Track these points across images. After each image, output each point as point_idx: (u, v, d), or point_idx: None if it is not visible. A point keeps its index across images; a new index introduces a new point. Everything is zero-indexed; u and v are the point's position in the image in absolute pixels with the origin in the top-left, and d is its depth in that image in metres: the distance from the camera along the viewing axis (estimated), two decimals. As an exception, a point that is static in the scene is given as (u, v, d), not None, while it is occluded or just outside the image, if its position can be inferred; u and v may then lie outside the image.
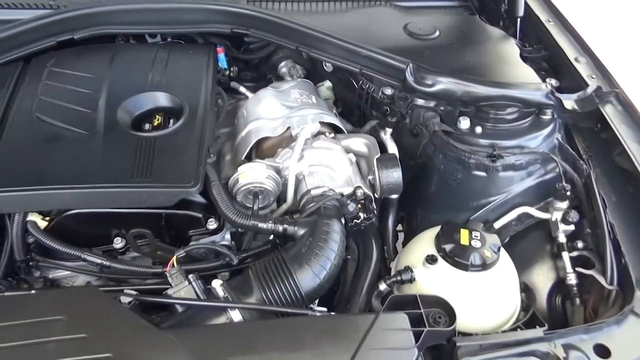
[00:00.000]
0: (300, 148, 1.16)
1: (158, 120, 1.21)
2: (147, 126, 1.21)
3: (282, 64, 1.69)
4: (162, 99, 1.24)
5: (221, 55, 1.53)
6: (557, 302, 1.21)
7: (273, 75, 1.71)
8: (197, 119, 1.20)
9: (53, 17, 1.37)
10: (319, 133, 1.27)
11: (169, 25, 1.49)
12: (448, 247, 1.08)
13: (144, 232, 1.06)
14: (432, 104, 1.36)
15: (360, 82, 1.49)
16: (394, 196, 1.29)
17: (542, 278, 1.24)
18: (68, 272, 1.16)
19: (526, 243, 1.30)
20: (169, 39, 1.54)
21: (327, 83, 1.62)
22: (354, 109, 1.56)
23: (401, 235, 1.45)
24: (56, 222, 1.07)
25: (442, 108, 1.36)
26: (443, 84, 1.31)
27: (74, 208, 1.06)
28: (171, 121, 1.22)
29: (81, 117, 1.17)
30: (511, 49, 1.50)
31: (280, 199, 1.24)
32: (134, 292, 0.95)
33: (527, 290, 1.17)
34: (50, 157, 1.08)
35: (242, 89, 1.53)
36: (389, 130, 1.38)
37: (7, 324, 0.85)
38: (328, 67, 1.58)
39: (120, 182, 1.04)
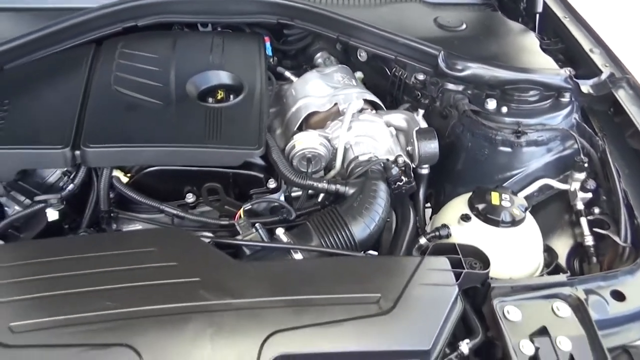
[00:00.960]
0: (349, 120, 1.32)
1: (221, 95, 1.36)
2: (210, 100, 1.36)
3: (318, 55, 1.84)
4: (224, 76, 1.39)
5: (267, 44, 1.69)
6: (575, 264, 1.35)
7: (308, 65, 1.87)
8: (255, 95, 1.35)
9: (120, 6, 1.53)
10: (362, 109, 1.41)
11: (220, 15, 1.64)
12: (481, 206, 1.22)
13: (216, 187, 1.21)
14: (461, 87, 1.51)
15: (394, 69, 1.64)
16: (425, 171, 1.44)
17: (562, 243, 1.38)
18: (140, 226, 1.30)
19: (546, 212, 1.44)
20: (218, 28, 1.70)
21: (359, 74, 1.77)
22: (385, 95, 1.70)
23: (428, 212, 1.60)
24: (136, 179, 1.22)
25: (469, 91, 1.51)
26: (472, 69, 1.46)
27: (155, 165, 1.20)
28: (231, 96, 1.37)
29: (155, 90, 1.32)
30: (531, 40, 1.65)
31: (326, 168, 1.39)
32: (211, 235, 1.09)
33: (549, 250, 1.31)
34: (133, 121, 1.23)
35: (287, 74, 1.69)
36: (421, 112, 1.53)
37: (109, 253, 0.99)
38: (362, 57, 1.74)
39: (196, 142, 1.19)
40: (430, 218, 1.48)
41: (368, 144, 1.33)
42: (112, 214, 1.24)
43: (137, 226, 1.31)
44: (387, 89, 1.67)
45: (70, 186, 1.18)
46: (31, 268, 0.97)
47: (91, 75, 1.36)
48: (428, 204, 1.57)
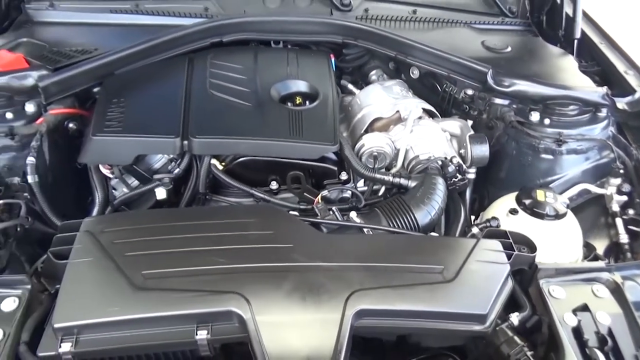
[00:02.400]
0: (411, 124, 1.52)
1: (299, 100, 1.58)
2: (289, 104, 1.58)
3: (373, 72, 2.05)
4: (302, 85, 1.61)
5: (332, 60, 1.91)
6: (611, 261, 1.49)
7: (363, 82, 2.09)
8: (329, 101, 1.57)
9: (209, 24, 1.78)
10: (420, 116, 1.61)
11: (292, 34, 1.88)
12: (527, 201, 1.39)
13: (299, 175, 1.41)
14: (506, 102, 1.70)
15: (444, 85, 1.84)
16: (472, 175, 1.61)
17: (598, 242, 1.53)
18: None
19: (584, 215, 1.59)
20: (289, 46, 1.94)
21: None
22: (434, 108, 1.91)
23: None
24: (230, 167, 1.43)
25: (514, 105, 1.69)
26: (518, 85, 1.65)
27: (247, 155, 1.42)
28: (307, 102, 1.59)
29: (243, 94, 1.55)
30: (570, 62, 1.84)
31: (387, 167, 1.58)
32: (297, 214, 1.29)
33: (587, 245, 1.46)
34: (228, 118, 1.45)
35: (349, 86, 1.90)
36: (469, 123, 1.72)
37: (219, 221, 1.20)
38: (414, 74, 1.94)
39: (283, 137, 1.40)
40: (477, 217, 1.65)
41: (426, 146, 1.52)
42: (207, 196, 1.45)
43: (226, 208, 1.51)
44: (436, 103, 1.87)
45: (177, 170, 1.40)
46: (157, 230, 1.18)
47: (189, 80, 1.59)
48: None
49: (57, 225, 1.40)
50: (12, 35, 1.75)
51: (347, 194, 1.49)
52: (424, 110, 1.65)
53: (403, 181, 1.41)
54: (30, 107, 1.50)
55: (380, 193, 1.53)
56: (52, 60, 1.61)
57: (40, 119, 1.47)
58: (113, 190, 1.53)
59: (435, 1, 2.07)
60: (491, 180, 1.71)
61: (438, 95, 1.87)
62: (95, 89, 1.63)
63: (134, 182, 1.49)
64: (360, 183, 1.54)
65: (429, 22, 2.00)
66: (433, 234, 1.30)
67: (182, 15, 1.87)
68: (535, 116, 1.63)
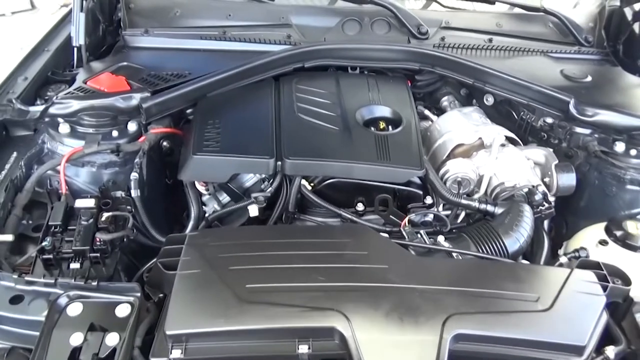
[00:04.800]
0: (496, 151, 1.54)
1: (382, 125, 1.63)
2: (372, 129, 1.63)
3: (444, 98, 2.08)
4: (386, 111, 1.67)
5: (408, 86, 1.96)
6: None
7: (434, 108, 2.12)
8: (412, 126, 1.61)
9: (294, 51, 1.86)
10: (503, 144, 1.63)
11: (371, 61, 1.94)
12: (618, 232, 1.38)
13: (387, 198, 1.46)
14: (588, 131, 1.69)
15: (522, 113, 1.85)
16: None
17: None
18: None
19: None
20: (365, 71, 2.00)
21: None
22: (508, 136, 1.92)
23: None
24: (319, 188, 1.49)
25: (597, 135, 1.68)
26: (602, 115, 1.65)
27: (338, 177, 1.48)
28: (390, 127, 1.64)
29: (330, 117, 1.61)
30: (653, 92, 1.82)
31: (469, 193, 1.60)
32: (387, 235, 1.33)
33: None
34: (318, 141, 1.52)
35: (426, 112, 1.94)
36: (547, 148, 1.72)
37: (316, 240, 1.25)
38: (489, 101, 1.96)
39: (371, 161, 1.45)
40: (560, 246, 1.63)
41: (511, 173, 1.53)
42: (295, 215, 1.51)
43: (310, 226, 1.57)
44: (512, 130, 1.87)
45: (270, 189, 1.47)
46: (258, 246, 1.24)
47: (277, 104, 1.67)
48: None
49: (156, 237, 1.49)
50: (112, 60, 1.89)
51: (430, 217, 1.52)
52: (506, 137, 1.67)
53: (489, 207, 1.43)
54: (132, 126, 1.62)
55: (460, 219, 1.55)
56: (151, 83, 1.73)
57: (142, 138, 1.58)
58: (203, 206, 1.61)
59: (511, 30, 2.10)
60: (570, 209, 1.70)
61: (514, 122, 1.88)
62: (188, 110, 1.74)
63: (225, 199, 1.57)
64: (440, 207, 1.57)
65: (505, 50, 2.02)
66: (524, 261, 1.31)
67: (266, 42, 1.97)
68: (620, 146, 1.61)
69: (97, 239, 1.32)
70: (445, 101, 2.08)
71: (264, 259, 1.20)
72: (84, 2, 1.85)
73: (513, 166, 1.54)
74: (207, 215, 1.54)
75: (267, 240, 1.25)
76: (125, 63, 1.85)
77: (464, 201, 1.45)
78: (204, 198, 1.59)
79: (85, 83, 1.72)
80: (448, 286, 1.16)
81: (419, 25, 2.02)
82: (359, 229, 1.36)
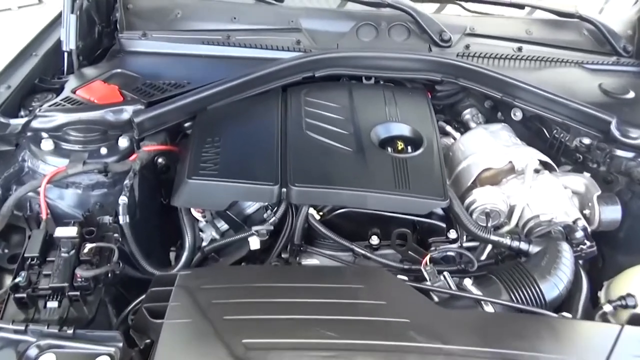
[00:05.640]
0: (530, 179, 1.36)
1: (401, 146, 1.46)
2: (389, 149, 1.46)
3: (467, 111, 1.91)
4: (405, 129, 1.49)
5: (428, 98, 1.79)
6: None
7: (455, 121, 1.94)
8: (434, 148, 1.44)
9: (304, 59, 1.70)
10: (536, 169, 1.45)
11: (388, 70, 1.77)
12: (672, 277, 1.20)
13: (406, 233, 1.28)
14: (631, 155, 1.51)
15: (554, 131, 1.67)
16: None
17: None
18: (317, 261, 1.40)
19: None
20: (380, 81, 1.83)
21: None
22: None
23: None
24: (329, 219, 1.33)
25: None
26: (648, 137, 1.47)
27: (350, 206, 1.31)
28: (409, 148, 1.46)
29: (342, 137, 1.44)
30: None
31: (497, 226, 1.43)
32: (405, 278, 1.16)
33: None
34: (329, 165, 1.35)
35: (448, 128, 1.77)
36: (586, 175, 1.54)
37: (325, 285, 1.08)
38: (517, 116, 1.78)
39: (388, 189, 1.28)
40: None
41: (546, 205, 1.35)
42: (301, 248, 1.35)
43: (315, 261, 1.41)
44: (542, 149, 1.69)
45: (273, 219, 1.31)
46: (258, 291, 1.08)
47: (283, 119, 1.51)
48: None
49: (146, 269, 1.34)
50: (107, 66, 1.74)
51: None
52: (539, 161, 1.49)
53: (523, 245, 1.25)
54: (123, 142, 1.46)
55: (486, 253, 1.38)
56: (146, 94, 1.57)
57: (134, 156, 1.42)
58: (200, 233, 1.45)
59: (542, 38, 1.91)
60: (608, 240, 1.51)
61: (545, 141, 1.70)
62: (187, 124, 1.58)
63: (224, 226, 1.41)
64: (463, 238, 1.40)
65: (536, 60, 1.84)
66: (565, 314, 1.13)
67: (273, 48, 1.80)
68: (669, 174, 1.43)
69: (78, 275, 1.17)
70: (467, 114, 1.90)
71: (264, 307, 1.04)
72: (75, 2, 1.69)
73: (549, 196, 1.37)
74: (203, 245, 1.37)
75: (268, 284, 1.09)
76: (119, 70, 1.70)
77: (494, 237, 1.27)
78: (201, 224, 1.43)
79: (74, 92, 1.57)
80: (478, 346, 0.99)
81: (441, 31, 1.84)
82: (375, 272, 1.19)
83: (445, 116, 1.94)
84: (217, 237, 1.41)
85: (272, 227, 1.29)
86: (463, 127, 1.92)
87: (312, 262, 1.41)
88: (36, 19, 2.00)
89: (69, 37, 1.69)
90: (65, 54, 1.73)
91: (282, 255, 1.39)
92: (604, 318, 1.21)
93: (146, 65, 1.75)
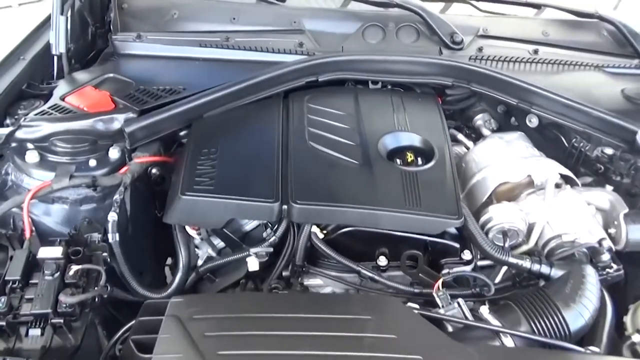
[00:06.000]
0: (551, 195, 1.26)
1: (410, 157, 1.36)
2: (398, 161, 1.36)
3: (479, 116, 1.80)
4: (416, 139, 1.39)
5: (439, 105, 1.68)
6: None
7: (466, 127, 1.84)
8: (446, 160, 1.34)
9: (305, 63, 1.60)
10: (557, 183, 1.35)
11: (396, 74, 1.67)
12: None
13: (417, 255, 1.19)
14: (657, 165, 1.41)
15: (574, 139, 1.57)
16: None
17: None
18: (320, 281, 1.31)
19: None
20: (388, 86, 1.73)
21: None
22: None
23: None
24: (333, 237, 1.23)
25: (668, 172, 1.40)
26: (677, 148, 1.36)
27: (356, 225, 1.21)
28: (419, 159, 1.36)
29: (348, 148, 1.34)
30: None
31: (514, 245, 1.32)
32: (417, 306, 1.06)
33: None
34: (333, 180, 1.25)
35: (459, 137, 1.66)
36: (609, 188, 1.44)
37: (327, 316, 0.99)
38: (532, 123, 1.67)
39: (398, 207, 1.18)
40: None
41: (568, 223, 1.25)
42: (303, 269, 1.25)
43: (318, 281, 1.31)
44: (560, 158, 1.59)
45: (273, 238, 1.22)
46: (255, 322, 0.98)
47: (285, 128, 1.41)
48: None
49: (138, 291, 1.25)
50: (99, 70, 1.65)
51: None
52: (560, 175, 1.39)
53: (545, 269, 1.15)
54: (114, 153, 1.37)
55: (501, 274, 1.28)
56: (139, 101, 1.48)
57: (125, 168, 1.33)
58: (196, 249, 1.36)
59: (559, 39, 1.80)
60: (630, 258, 1.41)
61: (563, 150, 1.60)
62: (182, 132, 1.49)
63: (220, 244, 1.32)
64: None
65: (554, 64, 1.73)
66: (593, 348, 1.03)
67: (274, 50, 1.71)
68: (699, 188, 1.33)
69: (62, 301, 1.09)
70: (479, 120, 1.79)
71: (262, 340, 0.95)
72: (66, 3, 1.60)
73: (571, 214, 1.26)
74: (198, 265, 1.28)
75: (267, 315, 1.00)
76: (111, 75, 1.60)
77: (512, 260, 1.17)
78: (196, 241, 1.34)
79: (63, 99, 1.48)
80: (498, 387, 0.90)
81: (452, 33, 1.73)
82: (383, 301, 1.09)
83: (456, 122, 1.84)
84: (214, 254, 1.32)
85: (271, 249, 1.20)
86: (474, 134, 1.82)
87: (315, 281, 1.31)
88: (37, 16, 1.91)
89: (58, 40, 1.61)
90: (55, 58, 1.64)
91: (284, 274, 1.29)
92: (633, 350, 1.11)
93: (140, 70, 1.65)
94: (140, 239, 1.42)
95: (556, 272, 1.14)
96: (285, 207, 1.18)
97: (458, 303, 1.09)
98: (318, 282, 1.31)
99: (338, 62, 1.63)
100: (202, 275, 1.28)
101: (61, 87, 1.54)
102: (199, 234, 1.31)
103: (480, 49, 1.73)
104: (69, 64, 1.70)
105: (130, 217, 1.37)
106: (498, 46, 1.76)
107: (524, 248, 1.27)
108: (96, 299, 1.14)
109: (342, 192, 1.21)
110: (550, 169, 1.35)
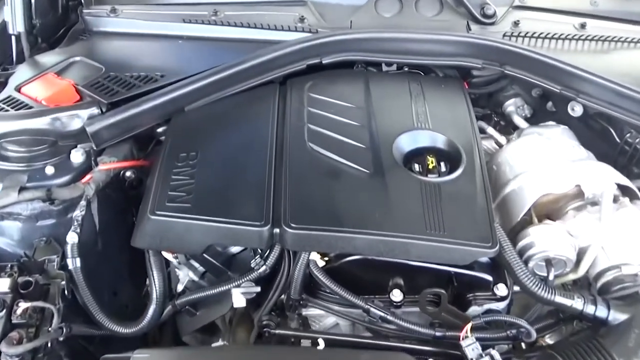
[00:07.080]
0: (609, 216, 1.01)
1: (432, 162, 1.11)
2: (416, 167, 1.12)
3: (510, 101, 1.55)
4: (439, 140, 1.14)
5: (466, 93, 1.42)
6: None
7: (495, 114, 1.58)
8: (476, 168, 1.09)
9: (307, 42, 1.34)
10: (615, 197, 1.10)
11: (413, 55, 1.40)
12: None
13: (440, 293, 0.96)
14: None
15: (627, 134, 1.31)
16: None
17: None
18: (320, 312, 1.10)
19: None
20: (405, 68, 1.47)
21: None
22: (602, 160, 1.38)
23: None
24: (337, 266, 1.01)
25: None
26: None
27: (365, 254, 0.98)
28: (442, 164, 1.12)
29: (357, 151, 1.11)
30: None
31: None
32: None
33: None
34: (337, 196, 1.02)
35: (489, 131, 1.41)
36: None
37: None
38: (576, 111, 1.40)
39: (415, 233, 0.95)
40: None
41: (629, 250, 1.01)
42: (301, 302, 1.04)
43: (319, 310, 1.10)
44: (606, 154, 1.34)
45: (263, 268, 1.00)
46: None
47: (280, 126, 1.18)
48: None
49: (105, 325, 1.05)
50: (64, 52, 1.41)
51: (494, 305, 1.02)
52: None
53: (601, 312, 0.92)
54: (77, 157, 1.15)
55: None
56: (108, 91, 1.24)
57: (87, 177, 1.11)
58: (176, 270, 1.16)
59: (611, 10, 1.51)
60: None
61: (613, 146, 1.35)
62: (160, 129, 1.26)
63: (201, 268, 1.11)
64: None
65: (604, 41, 1.44)
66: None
67: (271, 27, 1.44)
68: None
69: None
70: (510, 106, 1.54)
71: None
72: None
73: (633, 238, 1.01)
74: (176, 294, 1.08)
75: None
76: (78, 58, 1.37)
77: (559, 300, 0.94)
78: (175, 262, 1.13)
79: (19, 90, 1.25)
80: None
81: (483, 4, 1.45)
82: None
83: (484, 109, 1.58)
84: (196, 278, 1.11)
85: (257, 289, 0.98)
86: (504, 121, 1.56)
87: (316, 311, 1.10)
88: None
89: (14, 17, 1.37)
90: (13, 38, 1.40)
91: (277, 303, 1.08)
92: None
93: (113, 52, 1.42)
94: (113, 254, 1.22)
95: (615, 316, 0.91)
96: (277, 230, 0.96)
97: (490, 356, 0.87)
98: (319, 312, 1.10)
99: (345, 40, 1.38)
100: (180, 309, 1.07)
101: (19, 74, 1.31)
102: (175, 257, 1.09)
103: (516, 23, 1.45)
104: (35, 43, 1.48)
105: (100, 230, 1.17)
106: (537, 19, 1.47)
107: (571, 277, 1.04)
108: (49, 344, 0.95)
109: (347, 213, 0.98)
110: (605, 177, 1.10)
